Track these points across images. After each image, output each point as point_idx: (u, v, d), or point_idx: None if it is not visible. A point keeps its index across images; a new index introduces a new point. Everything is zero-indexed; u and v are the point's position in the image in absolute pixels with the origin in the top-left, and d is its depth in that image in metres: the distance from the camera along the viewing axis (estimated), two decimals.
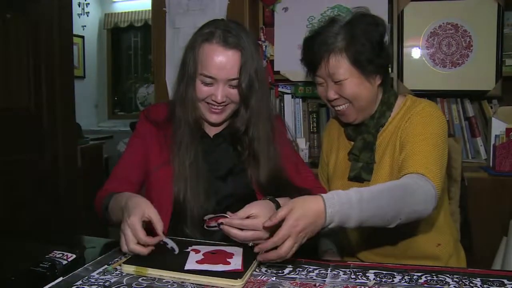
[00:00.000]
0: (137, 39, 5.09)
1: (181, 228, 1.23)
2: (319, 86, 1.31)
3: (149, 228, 1.03)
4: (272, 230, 0.95)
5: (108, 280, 0.95)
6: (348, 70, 1.22)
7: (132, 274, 0.98)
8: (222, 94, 1.20)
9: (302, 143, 2.45)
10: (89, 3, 4.72)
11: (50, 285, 0.93)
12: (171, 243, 1.06)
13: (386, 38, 1.28)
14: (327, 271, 1.00)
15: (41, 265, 0.99)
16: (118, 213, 1.11)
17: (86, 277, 0.97)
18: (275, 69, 2.51)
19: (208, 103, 1.24)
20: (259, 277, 0.96)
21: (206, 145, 1.30)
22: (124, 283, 0.94)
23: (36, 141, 2.76)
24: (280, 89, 2.55)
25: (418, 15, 2.30)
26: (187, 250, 1.08)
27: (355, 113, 1.28)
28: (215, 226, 1.08)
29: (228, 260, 1.01)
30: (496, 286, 0.91)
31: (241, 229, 1.05)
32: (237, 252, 1.06)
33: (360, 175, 1.30)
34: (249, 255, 1.02)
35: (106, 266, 1.03)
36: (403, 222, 1.04)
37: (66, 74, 2.94)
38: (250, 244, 1.04)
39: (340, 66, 1.22)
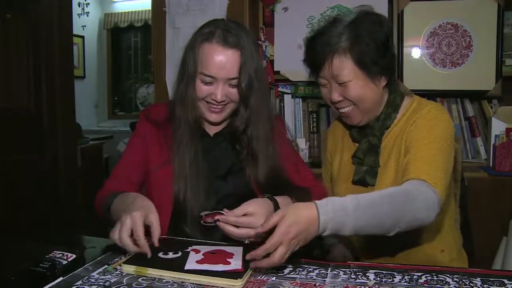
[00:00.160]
0: (137, 39, 5.10)
1: (181, 227, 1.23)
2: (323, 88, 1.28)
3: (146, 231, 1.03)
4: (267, 235, 0.94)
5: (108, 280, 0.95)
6: (353, 71, 1.19)
7: (132, 274, 0.98)
8: (222, 93, 1.21)
9: (302, 143, 2.45)
10: (89, 3, 4.72)
11: (50, 285, 0.93)
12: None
13: (391, 36, 1.25)
14: (327, 271, 1.00)
15: (41, 265, 0.99)
16: (121, 211, 1.10)
17: (86, 277, 0.97)
18: (275, 69, 2.51)
19: (208, 102, 1.24)
20: (259, 277, 0.96)
21: (206, 144, 1.31)
22: (124, 283, 0.94)
23: (36, 141, 2.76)
24: (280, 89, 2.55)
25: (418, 15, 2.30)
26: (187, 250, 1.08)
27: (359, 115, 1.26)
28: (212, 222, 1.08)
29: (228, 260, 1.01)
30: (496, 286, 0.91)
31: (237, 227, 1.06)
32: (237, 252, 1.06)
33: (365, 179, 1.27)
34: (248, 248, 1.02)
35: (106, 266, 1.03)
36: (403, 230, 1.02)
37: (66, 74, 2.94)
38: (246, 241, 1.04)
39: (344, 67, 1.19)
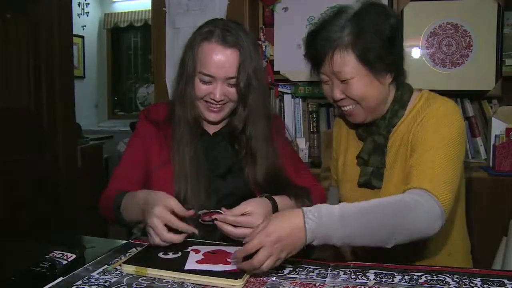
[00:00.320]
0: (137, 39, 5.09)
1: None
2: (324, 84, 1.20)
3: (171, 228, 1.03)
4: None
5: (108, 280, 0.95)
6: (355, 68, 1.11)
7: (132, 274, 0.98)
8: (221, 92, 1.21)
9: (302, 143, 2.46)
10: (89, 3, 4.71)
11: (50, 285, 0.93)
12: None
13: (399, 30, 1.16)
14: (327, 271, 1.00)
15: (41, 265, 0.99)
16: (135, 212, 1.11)
17: (86, 277, 0.97)
18: (275, 69, 2.51)
19: (206, 101, 1.24)
20: (259, 277, 0.96)
21: (206, 143, 1.31)
22: (124, 283, 0.94)
23: (36, 141, 2.76)
24: (280, 89, 2.55)
25: (418, 15, 2.30)
26: (187, 250, 1.08)
27: (363, 114, 1.18)
28: (210, 221, 1.08)
29: (228, 260, 1.01)
30: (496, 286, 0.91)
31: (236, 226, 1.05)
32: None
33: (371, 181, 1.21)
34: (249, 255, 1.02)
35: (106, 266, 1.03)
36: (402, 242, 0.98)
37: (66, 74, 2.94)
38: (244, 241, 1.04)
39: (345, 63, 1.11)
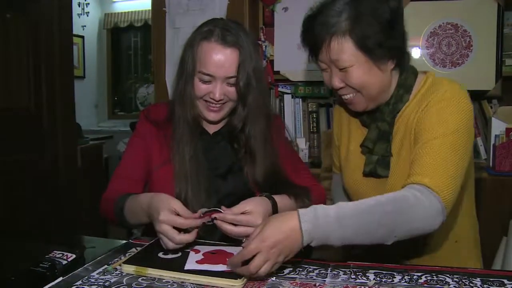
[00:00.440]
0: (137, 39, 5.09)
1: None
2: (323, 72, 1.15)
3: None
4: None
5: (108, 280, 0.95)
6: (354, 56, 1.06)
7: (132, 274, 0.98)
8: (220, 92, 1.21)
9: (302, 143, 2.46)
10: (89, 3, 4.71)
11: (50, 285, 0.93)
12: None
13: (400, 12, 1.09)
14: (327, 271, 1.00)
15: (41, 265, 0.99)
16: (139, 215, 1.12)
17: (86, 277, 0.97)
18: (275, 69, 2.51)
19: (206, 101, 1.24)
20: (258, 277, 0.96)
21: (206, 142, 1.31)
22: (124, 283, 0.94)
23: (36, 141, 2.76)
24: (280, 89, 2.55)
25: (418, 15, 2.30)
26: (187, 250, 1.08)
27: (364, 102, 1.13)
28: (209, 221, 1.08)
29: (228, 260, 1.01)
30: (496, 286, 0.91)
31: (235, 225, 1.05)
32: (237, 252, 1.06)
33: (376, 170, 1.15)
34: (247, 260, 1.02)
35: (106, 266, 1.03)
36: (402, 239, 0.96)
37: (66, 74, 2.94)
38: (244, 240, 1.04)
39: (343, 51, 1.06)
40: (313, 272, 1.00)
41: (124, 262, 1.01)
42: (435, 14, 2.28)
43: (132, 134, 1.36)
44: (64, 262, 1.02)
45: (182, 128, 1.26)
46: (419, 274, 0.97)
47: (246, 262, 0.91)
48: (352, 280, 0.95)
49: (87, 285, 0.93)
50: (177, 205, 1.03)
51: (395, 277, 0.96)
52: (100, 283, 0.94)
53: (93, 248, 1.19)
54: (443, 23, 2.28)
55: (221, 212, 1.06)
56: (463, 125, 1.05)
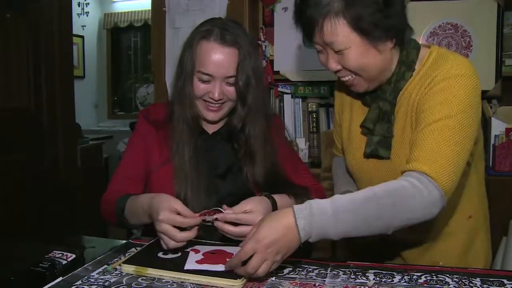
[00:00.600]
0: (137, 39, 5.09)
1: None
2: (319, 53, 1.09)
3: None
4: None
5: (107, 280, 0.95)
6: (349, 38, 1.00)
7: (132, 274, 0.98)
8: (219, 91, 1.21)
9: (301, 143, 2.46)
10: (88, 3, 4.71)
11: (49, 285, 0.93)
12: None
13: None
14: (326, 271, 1.00)
15: (40, 265, 0.99)
16: (140, 215, 1.11)
17: (86, 277, 0.97)
18: (275, 69, 2.51)
19: (205, 100, 1.24)
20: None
21: (205, 142, 1.31)
22: (124, 283, 0.94)
23: (36, 141, 2.75)
24: (280, 89, 2.55)
25: (418, 15, 2.29)
26: (186, 250, 1.08)
27: (364, 84, 1.08)
28: (209, 222, 1.08)
29: (228, 260, 1.01)
30: (496, 286, 0.91)
31: (236, 226, 1.05)
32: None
33: (377, 151, 1.11)
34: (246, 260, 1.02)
35: (105, 266, 1.03)
36: (401, 228, 0.95)
37: (66, 74, 2.94)
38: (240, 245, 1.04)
39: (337, 33, 0.99)
40: (313, 272, 1.00)
41: (124, 262, 1.01)
42: (435, 14, 2.28)
43: (132, 134, 1.36)
44: (64, 262, 1.02)
45: (181, 128, 1.26)
46: (419, 274, 0.97)
47: (245, 262, 0.91)
48: (351, 280, 0.95)
49: (87, 285, 0.93)
50: (178, 204, 1.03)
51: (394, 277, 0.96)
52: (100, 283, 0.94)
53: (93, 248, 1.19)
54: (443, 23, 2.28)
55: (222, 211, 1.06)
56: (469, 105, 0.99)
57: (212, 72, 1.20)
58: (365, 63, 1.03)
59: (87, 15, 4.76)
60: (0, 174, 2.47)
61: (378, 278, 0.95)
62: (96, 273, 0.99)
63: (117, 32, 5.08)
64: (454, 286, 0.91)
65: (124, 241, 1.22)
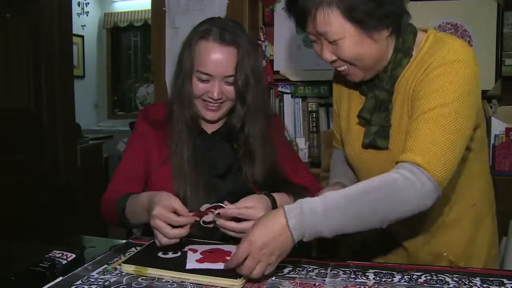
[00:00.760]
0: (137, 38, 5.09)
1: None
2: (313, 43, 1.06)
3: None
4: None
5: (107, 280, 0.96)
6: (342, 28, 0.97)
7: (132, 274, 0.98)
8: (218, 91, 1.21)
9: (301, 143, 2.46)
10: (88, 3, 4.72)
11: (49, 284, 0.93)
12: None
13: None
14: (326, 270, 1.00)
15: (40, 265, 1.00)
16: (140, 213, 1.12)
17: (86, 277, 0.97)
18: (275, 68, 2.51)
19: (204, 100, 1.24)
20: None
21: (204, 142, 1.31)
22: (124, 282, 0.94)
23: (36, 141, 2.75)
24: (279, 88, 2.55)
25: (418, 15, 2.26)
26: (184, 250, 1.08)
27: (361, 73, 1.05)
28: (211, 222, 1.08)
29: (227, 258, 1.01)
30: (496, 285, 0.91)
31: (238, 222, 1.05)
32: (234, 250, 1.06)
33: (375, 142, 1.08)
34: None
35: (105, 265, 1.03)
36: (397, 221, 0.93)
37: (66, 74, 2.93)
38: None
39: (330, 23, 0.97)
40: (313, 271, 1.00)
41: (124, 262, 1.01)
42: (435, 14, 2.28)
43: (131, 135, 1.36)
44: (64, 261, 1.02)
45: (180, 127, 1.26)
46: (419, 273, 0.97)
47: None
48: (351, 279, 0.95)
49: (87, 285, 0.93)
50: (177, 202, 1.04)
51: (394, 277, 0.96)
52: (99, 283, 0.94)
53: (93, 248, 1.19)
54: (443, 23, 2.28)
55: (223, 207, 1.06)
56: (466, 92, 0.96)
57: (211, 71, 1.20)
58: (360, 53, 1.00)
59: (87, 15, 4.76)
60: (0, 174, 2.47)
61: (378, 278, 0.96)
62: (96, 273, 0.99)
63: (117, 31, 5.08)
64: (454, 285, 0.91)
65: (124, 241, 1.22)
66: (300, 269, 1.01)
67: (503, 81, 2.21)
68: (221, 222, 1.06)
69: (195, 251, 1.07)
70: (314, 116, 2.52)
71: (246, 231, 1.00)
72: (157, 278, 0.96)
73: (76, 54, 4.51)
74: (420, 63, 1.03)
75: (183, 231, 1.02)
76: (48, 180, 2.80)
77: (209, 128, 1.33)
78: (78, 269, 1.01)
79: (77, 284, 0.93)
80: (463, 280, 0.94)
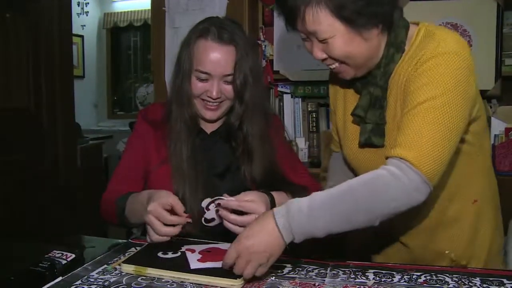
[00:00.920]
0: (137, 38, 5.10)
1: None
2: (304, 41, 1.05)
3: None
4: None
5: (107, 280, 0.96)
6: (332, 26, 0.96)
7: (132, 274, 0.98)
8: (217, 90, 1.21)
9: (301, 143, 2.45)
10: (88, 3, 4.72)
11: (49, 284, 0.93)
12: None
13: None
14: (326, 270, 1.00)
15: (40, 265, 1.00)
16: (139, 212, 1.11)
17: (86, 277, 0.97)
18: (275, 68, 2.50)
19: (203, 99, 1.24)
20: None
21: (203, 142, 1.31)
22: (124, 282, 0.94)
23: (36, 141, 2.75)
24: (279, 88, 2.55)
25: (418, 15, 2.27)
26: (182, 250, 1.08)
27: (352, 71, 1.04)
28: (212, 220, 1.08)
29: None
30: (496, 285, 0.91)
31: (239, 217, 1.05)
32: None
33: (371, 140, 1.06)
34: None
35: (105, 265, 1.03)
36: (389, 217, 0.92)
37: (66, 74, 2.93)
38: None
39: (320, 22, 0.96)
40: (313, 271, 1.00)
41: (124, 262, 1.01)
42: (434, 14, 2.27)
43: (131, 134, 1.37)
44: (64, 261, 1.02)
45: (179, 127, 1.26)
46: (419, 273, 0.97)
47: None
48: (351, 279, 0.95)
49: (87, 285, 0.93)
50: (175, 200, 1.05)
51: (394, 277, 0.96)
52: (99, 283, 0.94)
53: (93, 247, 1.19)
54: (442, 23, 2.27)
55: (223, 199, 1.06)
56: (457, 83, 0.94)
57: (210, 70, 1.20)
58: (351, 51, 0.99)
59: (87, 15, 4.77)
60: (0, 174, 2.47)
61: (377, 278, 0.96)
62: (96, 273, 0.99)
63: (117, 31, 5.08)
64: (453, 285, 0.91)
65: (123, 241, 1.22)
66: (300, 269, 1.01)
67: (503, 81, 2.21)
68: (223, 213, 1.05)
69: (193, 251, 1.07)
70: (314, 116, 2.52)
71: (247, 224, 1.01)
72: (157, 278, 0.96)
73: (76, 54, 4.51)
74: (411, 57, 1.02)
75: (174, 230, 1.04)
76: (48, 180, 2.80)
77: (208, 128, 1.33)
78: (78, 269, 1.01)
79: (76, 284, 0.93)
80: (462, 280, 0.94)
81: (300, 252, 1.02)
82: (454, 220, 1.14)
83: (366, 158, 1.15)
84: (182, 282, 0.94)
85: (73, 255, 1.05)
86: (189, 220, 1.06)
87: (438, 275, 0.96)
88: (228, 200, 1.06)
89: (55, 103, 2.83)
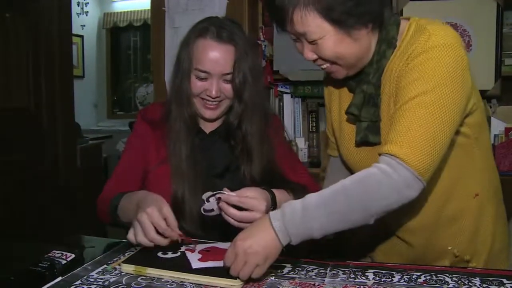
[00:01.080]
0: (136, 38, 5.10)
1: (180, 225, 1.23)
2: (295, 42, 1.06)
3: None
4: None
5: (107, 280, 0.96)
6: (321, 28, 0.96)
7: (131, 274, 0.98)
8: (217, 89, 1.21)
9: (301, 143, 2.46)
10: (88, 3, 4.72)
11: (49, 284, 0.93)
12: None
13: None
14: (326, 270, 1.00)
15: (40, 264, 0.99)
16: (131, 212, 1.10)
17: (85, 277, 0.97)
18: (274, 68, 2.50)
19: (202, 98, 1.25)
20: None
21: (202, 142, 1.31)
22: (123, 282, 0.94)
23: (36, 141, 2.75)
24: (279, 88, 2.55)
25: (418, 15, 2.27)
26: (181, 249, 1.08)
27: (343, 70, 1.04)
28: (211, 210, 1.08)
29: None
30: (495, 285, 0.91)
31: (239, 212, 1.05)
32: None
33: (367, 138, 1.05)
34: None
35: (105, 265, 1.03)
36: (383, 214, 0.92)
37: (66, 74, 2.93)
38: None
39: (308, 23, 0.96)
40: (312, 271, 1.00)
41: (123, 262, 1.01)
42: (434, 14, 2.27)
43: (130, 134, 1.36)
44: (63, 261, 1.02)
45: (178, 127, 1.26)
46: (418, 273, 0.97)
47: None
48: (351, 279, 0.95)
49: (86, 285, 0.93)
50: (168, 212, 1.02)
51: (394, 277, 0.96)
52: (99, 283, 0.94)
53: (93, 247, 1.19)
54: (442, 22, 2.27)
55: (224, 193, 1.06)
56: (449, 77, 0.93)
57: (209, 69, 1.20)
58: (341, 52, 0.99)
59: (87, 15, 4.77)
60: (0, 174, 2.47)
61: (377, 278, 0.96)
62: (96, 273, 0.99)
63: (117, 31, 5.09)
64: (453, 285, 0.91)
65: (123, 241, 1.22)
66: (300, 269, 1.01)
67: (503, 81, 2.21)
68: (223, 206, 1.05)
69: (192, 250, 1.07)
70: (314, 116, 2.52)
71: (245, 220, 1.02)
72: (157, 278, 0.96)
73: (75, 54, 4.51)
74: (403, 53, 1.01)
75: (162, 241, 1.01)
76: (48, 180, 2.80)
77: (208, 128, 1.33)
78: (78, 269, 1.01)
79: (76, 284, 0.93)
80: (462, 280, 0.94)
81: (297, 254, 1.02)
82: (456, 215, 1.12)
83: (363, 157, 1.15)
84: (182, 282, 0.94)
85: (73, 255, 1.05)
86: (181, 238, 1.04)
87: (438, 275, 0.96)
88: (229, 194, 1.06)
89: (55, 103, 2.83)
